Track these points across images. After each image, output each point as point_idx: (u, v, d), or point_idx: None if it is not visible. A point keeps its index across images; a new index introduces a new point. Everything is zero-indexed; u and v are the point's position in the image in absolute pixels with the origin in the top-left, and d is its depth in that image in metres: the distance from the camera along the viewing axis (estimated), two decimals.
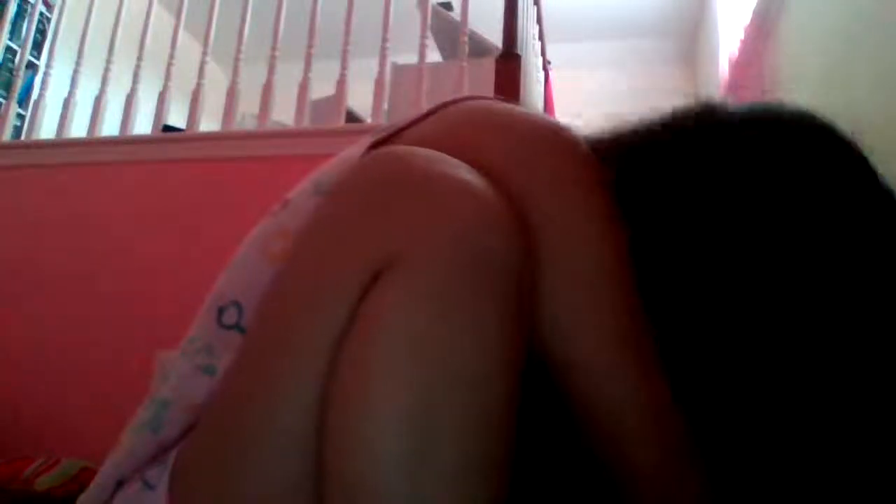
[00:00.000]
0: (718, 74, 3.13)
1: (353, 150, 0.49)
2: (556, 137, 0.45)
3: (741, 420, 0.42)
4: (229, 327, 0.45)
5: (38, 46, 2.87)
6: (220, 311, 0.46)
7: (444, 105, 0.50)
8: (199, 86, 1.99)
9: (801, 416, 0.41)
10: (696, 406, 0.41)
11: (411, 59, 1.91)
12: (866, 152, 0.46)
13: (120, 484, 0.43)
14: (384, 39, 1.88)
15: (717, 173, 0.45)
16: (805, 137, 0.46)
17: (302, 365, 0.37)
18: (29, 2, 2.57)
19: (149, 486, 0.41)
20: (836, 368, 0.41)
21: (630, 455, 0.41)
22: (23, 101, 2.46)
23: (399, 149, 0.41)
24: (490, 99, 0.51)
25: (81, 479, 1.41)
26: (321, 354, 0.36)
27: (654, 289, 0.42)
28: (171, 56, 2.05)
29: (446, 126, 0.48)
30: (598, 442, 0.41)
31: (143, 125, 2.06)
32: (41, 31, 2.96)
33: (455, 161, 0.39)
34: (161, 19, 2.24)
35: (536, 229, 0.41)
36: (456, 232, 0.35)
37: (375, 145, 0.48)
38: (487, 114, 0.48)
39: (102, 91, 2.10)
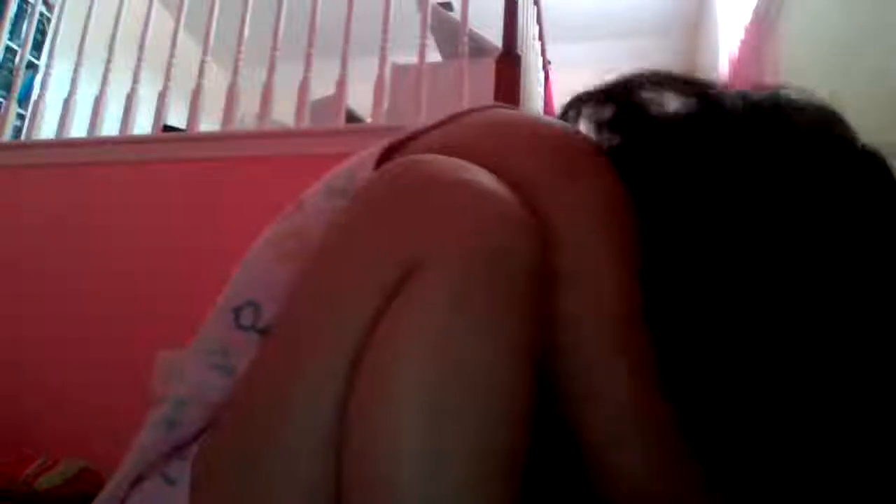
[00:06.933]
0: (718, 74, 3.13)
1: (367, 153, 0.49)
2: (575, 149, 0.46)
3: (739, 424, 0.42)
4: (247, 328, 0.45)
5: (38, 46, 2.87)
6: (237, 311, 0.46)
7: (466, 112, 0.50)
8: (199, 86, 1.99)
9: (800, 421, 0.41)
10: (692, 408, 0.41)
11: (411, 59, 1.90)
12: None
13: (137, 481, 0.43)
14: (384, 39, 1.88)
15: (729, 179, 0.45)
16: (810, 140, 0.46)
17: (325, 366, 0.38)
18: (29, 2, 2.57)
19: (169, 481, 0.41)
20: (839, 372, 0.41)
21: (617, 464, 0.41)
22: (23, 101, 2.45)
23: (424, 157, 0.42)
24: (509, 107, 0.52)
25: (82, 479, 1.41)
26: (345, 357, 0.37)
27: (662, 303, 0.43)
28: (171, 56, 2.05)
29: (468, 133, 0.48)
30: (588, 449, 0.41)
31: (143, 125, 2.06)
32: (41, 31, 2.95)
33: (478, 169, 0.40)
34: (161, 19, 2.24)
35: (556, 238, 0.41)
36: (477, 238, 0.36)
37: (391, 149, 0.49)
38: (510, 123, 0.49)
39: (102, 91, 2.10)
